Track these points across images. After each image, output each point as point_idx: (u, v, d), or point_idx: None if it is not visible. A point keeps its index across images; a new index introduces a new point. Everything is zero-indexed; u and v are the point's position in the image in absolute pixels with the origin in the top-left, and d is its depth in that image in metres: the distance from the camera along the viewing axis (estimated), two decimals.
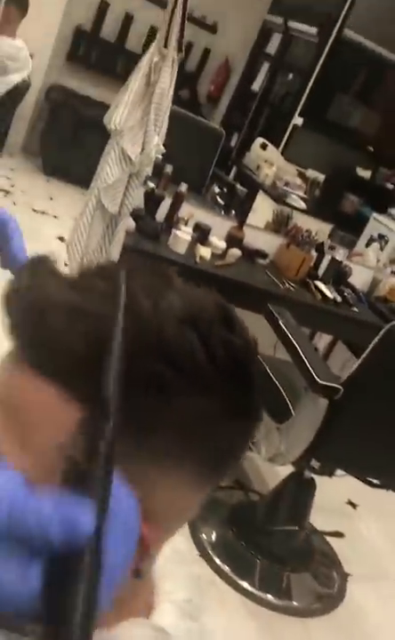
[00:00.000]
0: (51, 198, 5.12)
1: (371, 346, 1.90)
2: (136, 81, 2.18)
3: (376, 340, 1.87)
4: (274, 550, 2.43)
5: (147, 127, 2.21)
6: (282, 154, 4.83)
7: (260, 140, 4.82)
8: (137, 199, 2.43)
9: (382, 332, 1.88)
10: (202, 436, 0.46)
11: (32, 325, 0.44)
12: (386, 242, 4.14)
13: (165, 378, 0.43)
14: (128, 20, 5.65)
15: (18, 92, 3.73)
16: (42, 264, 0.48)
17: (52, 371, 0.44)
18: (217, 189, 4.32)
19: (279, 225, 3.35)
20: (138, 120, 2.21)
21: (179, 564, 2.12)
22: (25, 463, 0.45)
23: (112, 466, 0.38)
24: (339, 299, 3.03)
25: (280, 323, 2.21)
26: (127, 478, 0.45)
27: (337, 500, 3.04)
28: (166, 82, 2.17)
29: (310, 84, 5.11)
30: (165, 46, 2.13)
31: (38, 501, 0.34)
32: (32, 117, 5.60)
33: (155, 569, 0.59)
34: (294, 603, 2.40)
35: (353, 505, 3.09)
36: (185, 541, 2.36)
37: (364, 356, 1.92)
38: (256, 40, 5.91)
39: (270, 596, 2.34)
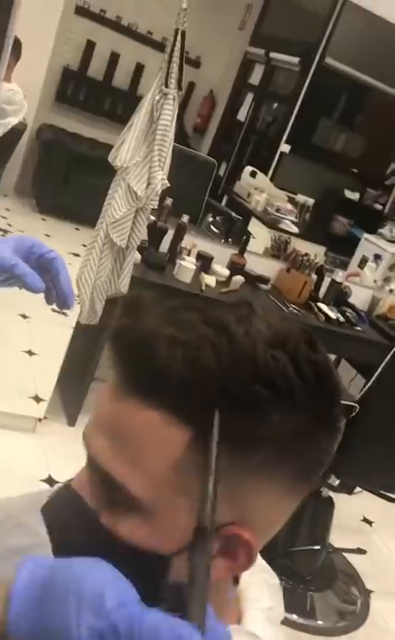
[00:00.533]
0: (47, 235, 5.20)
1: (384, 363, 1.96)
2: (139, 119, 2.26)
3: (389, 357, 1.93)
4: (297, 570, 2.46)
5: (151, 163, 2.29)
6: (271, 180, 4.93)
7: (249, 169, 4.93)
8: (143, 232, 2.51)
9: (394, 349, 1.94)
10: (296, 448, 0.52)
11: (137, 359, 0.50)
12: (381, 261, 4.23)
13: (262, 397, 0.49)
14: (114, 58, 5.79)
15: (15, 133, 3.83)
16: (138, 302, 0.54)
17: (158, 398, 0.50)
18: (211, 218, 4.41)
19: (278, 250, 3.43)
20: (142, 156, 2.29)
21: None
22: (141, 485, 0.51)
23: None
24: (342, 319, 3.10)
25: None
26: (228, 492, 0.51)
27: (353, 517, 3.08)
28: (168, 118, 2.25)
29: (295, 111, 5.23)
30: (167, 85, 2.23)
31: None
32: (24, 157, 5.71)
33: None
34: (320, 622, 2.42)
35: (369, 522, 3.12)
36: None
37: (377, 373, 1.99)
38: (239, 72, 6.06)
39: (295, 616, 2.37)
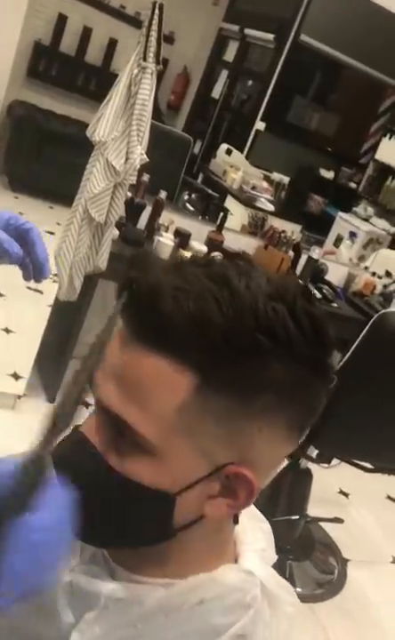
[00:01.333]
0: (21, 213, 5.14)
1: (361, 335, 1.99)
2: (117, 93, 2.25)
3: (366, 329, 1.97)
4: (276, 540, 2.51)
5: (129, 137, 2.28)
6: (247, 158, 4.93)
7: (224, 146, 4.92)
8: (121, 208, 2.50)
9: (371, 321, 1.98)
10: (294, 394, 0.55)
11: (145, 309, 0.52)
12: (356, 239, 4.27)
13: (263, 345, 0.51)
14: (86, 32, 5.71)
15: None
16: (145, 257, 0.56)
17: (165, 345, 0.52)
18: (187, 196, 4.40)
19: (256, 227, 3.45)
20: (121, 131, 2.28)
21: None
22: (150, 426, 0.53)
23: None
24: (318, 295, 3.13)
25: None
26: (231, 433, 0.54)
27: (330, 490, 3.14)
28: (146, 93, 2.24)
29: (270, 89, 5.21)
30: (145, 59, 2.21)
31: None
32: None
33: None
34: (298, 589, 2.48)
35: (345, 494, 3.19)
36: None
37: (355, 345, 2.02)
38: (213, 48, 6.01)
39: None
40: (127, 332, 0.54)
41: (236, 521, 0.64)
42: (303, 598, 2.43)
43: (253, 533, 0.70)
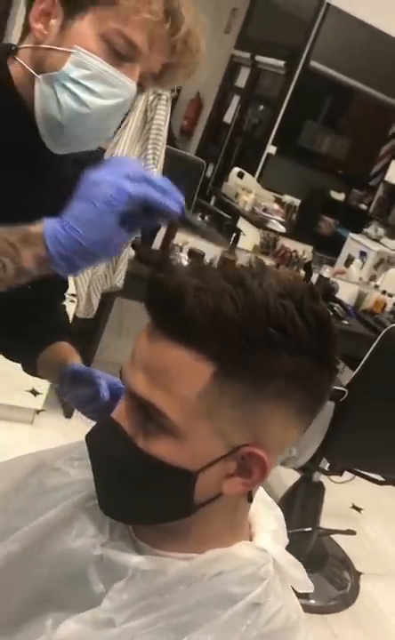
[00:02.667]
0: None
1: (371, 349, 2.06)
2: (134, 119, 2.35)
3: (376, 342, 2.03)
4: (289, 553, 2.55)
5: (145, 161, 2.38)
6: (258, 181, 5.02)
7: (236, 170, 5.02)
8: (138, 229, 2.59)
9: (381, 335, 2.04)
10: (303, 382, 0.62)
11: (169, 306, 0.60)
12: (366, 258, 4.34)
13: (274, 337, 0.59)
14: None
15: None
16: (168, 262, 0.64)
17: (187, 338, 0.60)
18: (200, 218, 4.50)
19: (267, 247, 3.53)
20: (137, 155, 2.38)
21: None
22: (175, 409, 0.61)
23: None
24: (330, 313, 3.20)
25: None
26: (246, 416, 0.61)
27: (343, 505, 3.18)
28: (162, 118, 2.35)
29: (281, 113, 5.32)
30: None
31: None
32: None
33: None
34: (312, 601, 2.51)
35: (358, 509, 3.22)
36: None
37: (364, 359, 2.08)
38: (225, 75, 6.13)
39: None
40: (154, 327, 0.63)
41: (250, 499, 0.71)
42: (316, 609, 2.47)
43: (267, 516, 0.77)
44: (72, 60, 0.85)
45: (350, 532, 2.71)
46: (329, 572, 2.68)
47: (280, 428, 0.65)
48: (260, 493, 0.77)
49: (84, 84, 0.85)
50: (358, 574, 2.75)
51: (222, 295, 0.59)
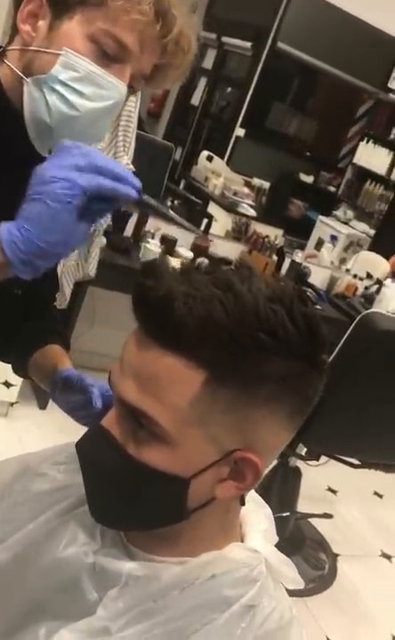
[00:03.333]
0: None
1: (346, 335, 2.07)
2: None
3: (350, 329, 2.04)
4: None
5: (116, 149, 2.34)
6: (227, 164, 4.99)
7: (205, 153, 4.99)
8: (108, 217, 2.57)
9: (355, 322, 2.05)
10: (293, 386, 0.62)
11: (158, 314, 0.59)
12: (337, 242, 4.36)
13: (265, 342, 0.58)
14: None
15: None
16: (157, 266, 0.62)
17: (177, 346, 0.59)
18: (170, 202, 4.47)
19: (239, 233, 3.52)
20: (107, 142, 2.34)
21: None
22: (166, 416, 0.60)
23: None
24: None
25: None
26: (238, 421, 0.61)
27: (319, 488, 3.22)
28: (132, 105, 2.31)
29: (249, 95, 5.28)
30: None
31: None
32: None
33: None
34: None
35: (334, 491, 3.27)
36: None
37: (340, 345, 2.09)
38: None
39: None
40: (143, 334, 0.61)
41: (242, 502, 0.71)
42: (295, 593, 2.50)
43: (257, 516, 0.77)
44: (61, 62, 0.83)
45: (327, 516, 2.74)
46: (307, 555, 2.72)
47: (272, 432, 0.64)
48: (250, 492, 0.77)
49: (74, 87, 0.83)
50: (336, 556, 2.79)
51: (212, 301, 0.58)
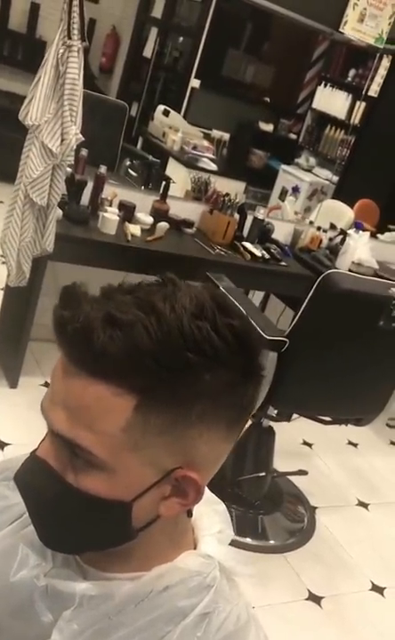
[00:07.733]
0: None
1: (308, 296, 2.07)
2: (46, 74, 2.23)
3: (313, 290, 2.04)
4: (246, 497, 2.63)
5: (63, 118, 2.27)
6: (184, 118, 4.89)
7: (161, 108, 4.87)
8: (62, 188, 2.51)
9: (316, 283, 2.05)
10: (228, 398, 0.61)
11: (80, 344, 0.58)
12: (299, 193, 4.32)
13: (192, 361, 0.58)
14: (35, 9, 5.55)
15: None
16: (74, 293, 0.60)
17: (103, 374, 0.58)
18: (128, 162, 4.38)
19: (199, 192, 3.47)
20: (53, 113, 2.27)
21: None
22: (100, 446, 0.60)
23: None
24: (267, 255, 3.19)
25: (221, 288, 2.35)
26: (175, 441, 0.60)
27: (294, 442, 3.27)
28: (75, 72, 2.23)
29: (202, 44, 5.14)
30: (69, 37, 2.19)
31: None
32: None
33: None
34: (271, 542, 2.61)
35: (309, 444, 3.32)
36: None
37: (303, 306, 2.10)
38: (140, 5, 5.87)
39: (248, 539, 2.55)
40: (67, 363, 0.60)
41: (189, 515, 0.71)
42: (277, 549, 2.57)
43: (209, 518, 0.77)
44: None
45: (302, 473, 2.80)
46: (286, 510, 2.78)
47: (211, 446, 0.64)
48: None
49: None
50: (314, 509, 2.86)
51: (135, 326, 0.57)
